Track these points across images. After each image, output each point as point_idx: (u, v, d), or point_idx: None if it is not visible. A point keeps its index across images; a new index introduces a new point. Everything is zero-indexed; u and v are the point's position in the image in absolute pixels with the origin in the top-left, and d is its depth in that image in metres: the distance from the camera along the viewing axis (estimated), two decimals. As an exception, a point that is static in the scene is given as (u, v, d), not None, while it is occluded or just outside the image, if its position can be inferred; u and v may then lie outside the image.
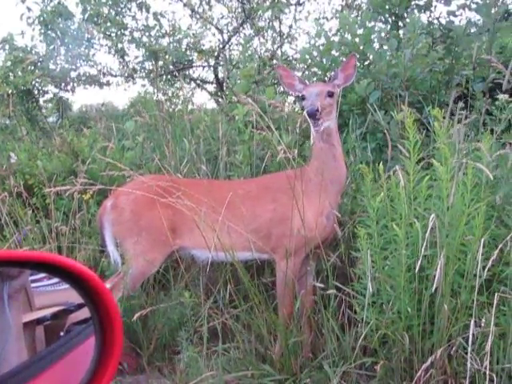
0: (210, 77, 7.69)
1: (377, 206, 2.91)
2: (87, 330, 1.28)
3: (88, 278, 1.21)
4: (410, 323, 2.86)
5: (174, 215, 3.46)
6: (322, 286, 3.12)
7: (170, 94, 7.05)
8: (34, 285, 1.36)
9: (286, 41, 7.30)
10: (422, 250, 2.52)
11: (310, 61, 4.55)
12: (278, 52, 7.36)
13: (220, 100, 6.95)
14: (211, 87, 7.89)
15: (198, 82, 7.69)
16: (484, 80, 4.26)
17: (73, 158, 4.54)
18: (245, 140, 4.31)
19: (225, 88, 6.65)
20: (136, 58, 7.22)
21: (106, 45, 6.96)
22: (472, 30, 4.21)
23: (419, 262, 2.52)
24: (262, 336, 3.40)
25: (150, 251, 3.51)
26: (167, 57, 6.40)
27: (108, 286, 3.59)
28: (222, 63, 6.89)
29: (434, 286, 2.53)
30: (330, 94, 3.35)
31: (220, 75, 7.22)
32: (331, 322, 3.17)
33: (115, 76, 7.30)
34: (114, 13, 6.70)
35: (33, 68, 5.74)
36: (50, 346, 1.38)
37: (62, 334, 1.38)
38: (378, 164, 4.04)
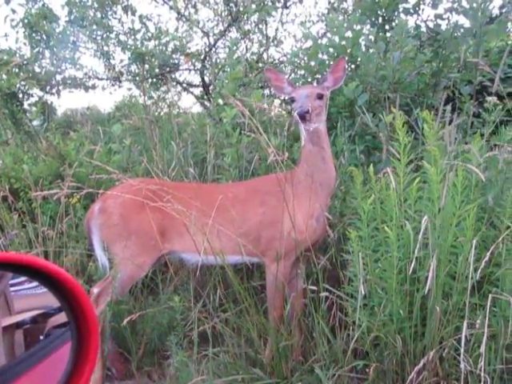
0: (196, 80, 7.68)
1: (367, 208, 2.91)
2: (66, 333, 1.27)
3: (63, 279, 1.19)
4: (402, 325, 2.86)
5: (163, 219, 3.43)
6: (314, 288, 3.09)
7: (155, 98, 6.98)
8: (13, 288, 1.33)
9: (272, 44, 7.29)
10: (416, 251, 2.50)
11: (298, 63, 4.53)
12: (264, 55, 7.36)
13: (206, 103, 6.94)
14: (197, 91, 7.86)
15: (184, 85, 7.65)
16: (471, 83, 4.29)
17: (59, 161, 4.49)
18: (233, 143, 4.28)
19: (211, 91, 6.64)
20: (121, 61, 7.18)
21: (92, 48, 6.90)
22: (459, 34, 4.22)
23: (412, 265, 2.51)
24: (252, 340, 3.37)
25: (139, 255, 3.47)
26: (153, 60, 6.35)
27: (96, 290, 3.55)
28: (208, 66, 6.87)
29: (427, 288, 2.53)
30: (320, 96, 3.35)
31: (206, 78, 7.20)
32: (322, 324, 3.16)
33: (101, 79, 7.23)
34: (99, 15, 6.64)
35: (17, 71, 5.69)
36: (29, 350, 1.36)
37: (41, 337, 1.36)
38: (367, 166, 4.07)
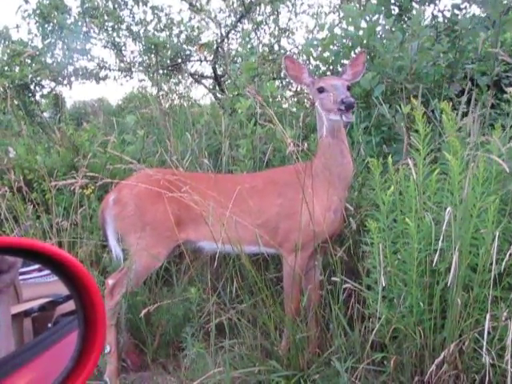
0: (207, 71, 7.64)
1: (387, 199, 2.87)
2: (74, 321, 1.28)
3: (74, 267, 1.19)
4: (421, 318, 2.83)
5: (179, 209, 3.41)
6: (336, 279, 3.06)
7: (166, 89, 6.95)
8: (22, 277, 1.33)
9: (283, 35, 7.23)
10: (439, 243, 2.47)
11: (316, 53, 4.47)
12: (276, 46, 7.31)
13: (218, 95, 6.90)
14: (208, 82, 7.82)
15: (196, 76, 7.61)
16: (486, 74, 4.23)
17: (73, 152, 4.47)
18: (247, 134, 4.25)
19: (224, 82, 6.60)
20: (132, 52, 7.17)
21: (104, 39, 6.87)
22: (476, 24, 4.16)
23: (436, 256, 2.47)
24: (268, 331, 3.36)
25: (155, 246, 3.46)
26: (165, 51, 6.31)
27: (111, 282, 3.54)
28: (220, 58, 6.83)
29: (450, 281, 2.49)
30: (349, 88, 3.30)
31: (218, 70, 7.16)
32: (340, 316, 3.14)
33: (113, 70, 7.20)
34: (111, 6, 6.61)
35: (30, 62, 5.67)
36: (37, 337, 1.37)
37: (49, 325, 1.37)
38: (383, 158, 4.03)
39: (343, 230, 3.53)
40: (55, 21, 5.84)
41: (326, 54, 4.47)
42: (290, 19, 7.41)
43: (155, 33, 6.59)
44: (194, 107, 5.22)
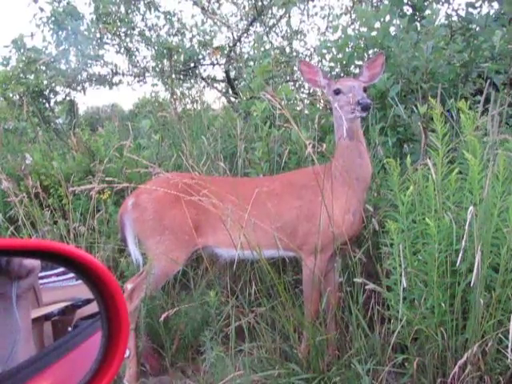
0: (220, 75, 7.65)
1: (406, 199, 2.86)
2: (95, 324, 1.28)
3: (95, 268, 1.19)
4: (443, 319, 2.80)
5: (198, 213, 3.41)
6: (359, 281, 3.04)
7: (179, 93, 6.96)
8: (41, 281, 1.35)
9: (295, 38, 7.23)
10: (463, 243, 2.44)
11: (329, 55, 4.46)
12: (287, 49, 7.31)
13: (232, 98, 6.91)
14: (221, 86, 7.83)
15: (209, 80, 7.62)
16: (504, 72, 4.20)
17: (89, 157, 4.49)
18: (263, 136, 4.25)
19: (237, 85, 6.61)
20: (144, 57, 7.20)
21: (116, 44, 6.90)
22: (492, 22, 4.14)
23: (460, 255, 2.45)
24: (287, 334, 3.35)
25: (174, 250, 3.45)
26: (179, 55, 6.32)
27: (130, 286, 3.55)
28: (232, 61, 6.84)
29: (473, 281, 2.47)
30: (365, 90, 3.28)
31: (231, 73, 7.17)
32: (360, 318, 3.12)
33: (126, 75, 7.23)
34: (123, 12, 6.64)
35: (44, 69, 5.70)
36: (57, 341, 1.39)
37: (69, 329, 1.39)
38: (400, 158, 4.01)
39: (362, 231, 3.51)
40: (69, 27, 5.88)
41: (340, 56, 4.45)
42: (301, 21, 7.42)
43: (168, 38, 6.60)
44: (208, 111, 5.22)
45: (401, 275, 2.82)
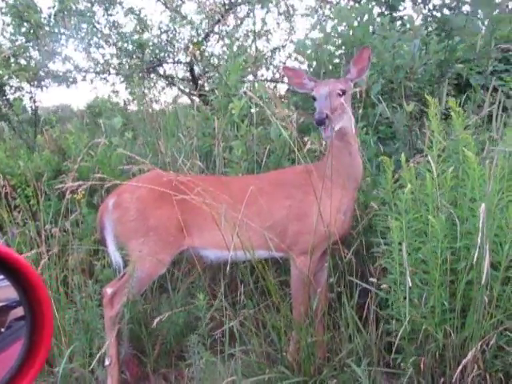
0: (181, 73, 7.49)
1: (405, 197, 2.81)
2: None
3: (21, 267, 1.20)
4: (443, 317, 2.77)
5: (183, 213, 3.27)
6: (354, 280, 2.96)
7: (143, 92, 6.76)
8: None
9: (261, 37, 7.17)
10: (478, 240, 2.40)
11: (309, 53, 4.39)
12: (253, 48, 7.22)
13: (195, 98, 6.76)
14: (184, 84, 7.67)
15: (176, 79, 7.45)
16: (481, 73, 4.25)
17: (59, 155, 4.27)
18: (242, 135, 4.15)
19: (203, 84, 6.48)
20: (105, 55, 6.97)
21: (77, 41, 6.64)
22: (468, 22, 4.17)
23: (476, 253, 2.41)
24: (274, 338, 3.26)
25: (158, 252, 3.30)
26: (144, 52, 6.13)
27: (110, 290, 3.38)
28: (197, 59, 6.69)
29: (483, 279, 2.44)
30: (342, 93, 3.19)
31: (196, 71, 7.03)
32: (355, 318, 3.07)
33: (88, 72, 6.97)
34: (84, 7, 6.40)
35: (5, 63, 5.41)
36: None
37: (2, 330, 1.35)
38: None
39: (351, 231, 3.46)
40: (33, 20, 5.60)
41: (318, 54, 4.39)
42: (264, 22, 7.36)
43: (131, 35, 6.39)
44: (179, 110, 5.06)
45: (400, 274, 2.78)
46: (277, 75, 7.20)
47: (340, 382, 3.01)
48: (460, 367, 2.59)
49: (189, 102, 6.16)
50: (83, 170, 4.08)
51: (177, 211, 3.24)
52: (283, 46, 7.61)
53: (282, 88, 8.10)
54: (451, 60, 4.44)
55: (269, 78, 7.10)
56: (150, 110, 5.67)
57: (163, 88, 7.63)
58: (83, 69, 6.94)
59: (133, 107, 7.37)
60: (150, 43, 6.26)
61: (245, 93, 4.02)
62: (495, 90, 4.01)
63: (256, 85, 4.56)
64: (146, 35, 6.44)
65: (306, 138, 3.61)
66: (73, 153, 4.17)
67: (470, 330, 2.74)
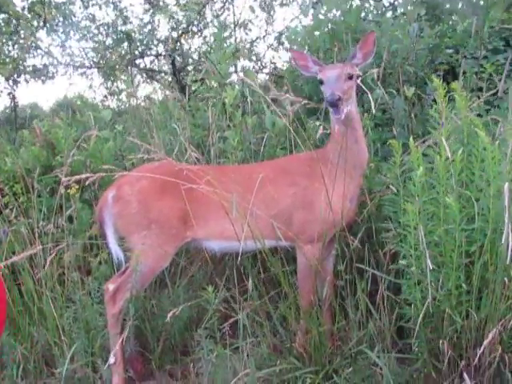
0: (162, 67, 7.35)
1: (418, 180, 2.77)
2: None
3: None
4: (459, 300, 2.74)
5: (186, 205, 3.19)
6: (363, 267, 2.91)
7: (127, 86, 6.61)
8: None
9: (241, 28, 7.09)
10: (505, 219, 2.37)
11: (300, 40, 4.33)
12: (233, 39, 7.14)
13: (176, 91, 6.66)
14: (165, 79, 7.54)
15: (156, 72, 7.32)
16: (474, 58, 4.24)
17: (48, 150, 4.13)
18: (236, 124, 4.07)
19: (183, 77, 6.38)
20: (82, 50, 6.80)
21: (53, 34, 6.45)
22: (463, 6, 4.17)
23: (505, 233, 2.38)
24: (280, 329, 3.22)
25: (161, 245, 3.21)
26: (131, 43, 5.99)
27: (112, 286, 3.28)
28: (179, 52, 6.58)
29: (508, 259, 2.41)
30: (350, 77, 3.13)
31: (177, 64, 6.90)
32: (367, 303, 3.03)
33: (69, 66, 6.79)
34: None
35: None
36: None
37: None
38: (380, 143, 3.96)
39: (356, 218, 3.41)
40: (11, 11, 5.40)
41: (310, 41, 4.34)
42: (240, 13, 7.29)
43: (114, 25, 6.24)
44: (166, 102, 4.95)
45: (416, 258, 2.75)
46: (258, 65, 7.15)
47: (356, 370, 2.96)
48: (482, 348, 2.56)
49: (169, 95, 6.01)
50: (75, 164, 3.95)
51: (179, 203, 3.17)
52: (264, 37, 7.57)
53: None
54: (442, 45, 4.43)
55: (251, 69, 7.03)
56: (134, 103, 5.58)
57: (142, 82, 7.49)
58: (62, 62, 6.74)
59: (110, 103, 7.24)
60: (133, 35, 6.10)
61: (242, 80, 3.93)
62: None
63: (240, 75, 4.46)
64: (129, 26, 6.28)
65: (317, 123, 3.54)
66: (63, 147, 4.03)
67: (486, 312, 2.72)
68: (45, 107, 11.02)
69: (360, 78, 3.31)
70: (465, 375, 2.60)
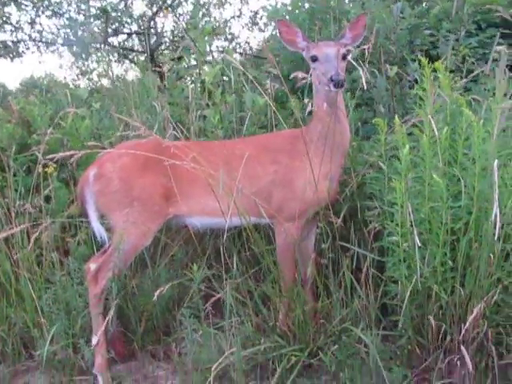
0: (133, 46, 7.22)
1: (404, 158, 2.78)
2: None
3: None
4: (444, 277, 2.78)
5: (168, 181, 3.15)
6: (351, 247, 2.88)
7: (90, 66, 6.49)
8: None
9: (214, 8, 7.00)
10: (495, 196, 2.40)
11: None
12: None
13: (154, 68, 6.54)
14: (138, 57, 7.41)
15: (133, 50, 7.19)
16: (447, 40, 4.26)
17: (23, 128, 4.02)
18: (217, 103, 4.02)
19: (157, 56, 6.27)
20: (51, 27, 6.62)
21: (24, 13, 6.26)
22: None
23: (494, 209, 2.40)
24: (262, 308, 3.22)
25: (143, 222, 3.16)
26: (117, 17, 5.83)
27: (93, 266, 3.24)
28: (153, 31, 6.47)
29: (496, 233, 2.43)
30: (344, 57, 3.12)
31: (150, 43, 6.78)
32: (352, 280, 3.05)
33: (37, 43, 6.60)
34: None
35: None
36: None
37: None
38: (361, 122, 3.97)
39: (338, 197, 3.41)
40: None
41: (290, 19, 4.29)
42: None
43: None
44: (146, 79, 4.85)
45: (402, 235, 2.77)
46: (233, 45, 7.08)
47: (341, 347, 2.97)
48: (467, 324, 2.60)
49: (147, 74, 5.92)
50: (52, 142, 3.85)
51: (162, 179, 3.13)
52: (238, 16, 7.48)
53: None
54: (421, 26, 4.44)
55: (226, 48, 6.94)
56: (107, 82, 5.47)
57: (114, 61, 7.33)
58: (34, 38, 6.54)
59: (81, 82, 7.11)
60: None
61: (222, 58, 3.88)
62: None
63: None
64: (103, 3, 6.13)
65: (305, 100, 3.52)
66: (39, 125, 3.93)
67: (470, 288, 2.76)
68: (10, 86, 10.76)
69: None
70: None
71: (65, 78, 7.02)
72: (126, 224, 3.15)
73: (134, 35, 6.94)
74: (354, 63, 3.44)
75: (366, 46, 3.13)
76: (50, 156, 2.85)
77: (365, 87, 2.85)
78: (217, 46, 6.73)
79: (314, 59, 3.12)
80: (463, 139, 2.79)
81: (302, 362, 3.00)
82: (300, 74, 3.34)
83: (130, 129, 3.15)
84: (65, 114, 3.72)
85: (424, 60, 2.95)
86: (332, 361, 2.95)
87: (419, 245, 2.61)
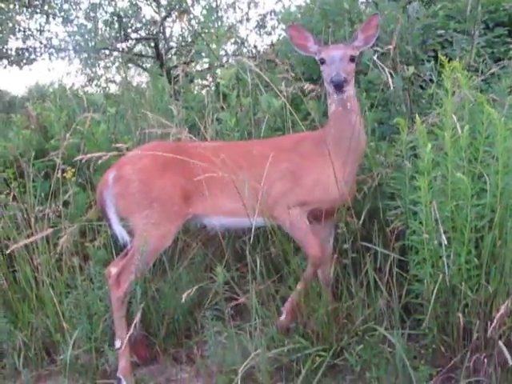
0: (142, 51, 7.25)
1: (427, 156, 2.78)
2: None
3: None
4: (469, 275, 2.78)
5: (187, 182, 3.16)
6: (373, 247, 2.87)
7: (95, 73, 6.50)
8: None
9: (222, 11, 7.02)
10: None
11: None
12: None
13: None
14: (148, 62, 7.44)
15: (142, 55, 7.21)
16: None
17: (40, 134, 4.03)
18: (232, 105, 4.03)
19: (166, 61, 6.29)
20: (58, 35, 6.64)
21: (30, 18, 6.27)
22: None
23: None
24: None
25: (163, 224, 3.17)
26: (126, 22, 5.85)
27: (114, 270, 3.24)
28: (161, 36, 6.49)
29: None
30: (352, 59, 3.09)
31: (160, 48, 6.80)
32: (379, 283, 3.05)
33: (47, 48, 6.62)
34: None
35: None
36: None
37: None
38: (377, 123, 3.97)
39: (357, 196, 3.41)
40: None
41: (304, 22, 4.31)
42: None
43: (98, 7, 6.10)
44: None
45: (427, 233, 2.76)
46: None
47: (366, 346, 2.97)
48: (494, 321, 2.60)
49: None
50: (68, 148, 3.86)
51: (181, 180, 3.17)
52: (247, 20, 7.50)
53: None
54: (433, 26, 4.44)
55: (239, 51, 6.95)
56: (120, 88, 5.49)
57: (121, 67, 7.34)
58: (45, 44, 6.55)
59: (90, 89, 7.13)
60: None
61: (236, 62, 3.89)
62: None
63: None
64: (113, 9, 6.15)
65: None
66: (56, 130, 3.94)
67: (495, 286, 2.75)
68: (14, 93, 10.83)
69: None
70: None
71: (73, 84, 7.01)
72: (147, 226, 3.16)
73: (143, 40, 6.96)
74: (379, 63, 3.47)
75: (390, 46, 3.11)
76: (79, 157, 2.87)
77: (391, 87, 2.84)
78: (225, 50, 6.79)
79: (322, 62, 3.12)
80: (483, 137, 2.80)
81: (326, 363, 3.00)
82: (307, 86, 3.37)
83: (162, 127, 3.13)
84: (83, 119, 3.72)
85: (444, 59, 2.96)
86: (357, 361, 2.95)
87: (445, 243, 2.60)
